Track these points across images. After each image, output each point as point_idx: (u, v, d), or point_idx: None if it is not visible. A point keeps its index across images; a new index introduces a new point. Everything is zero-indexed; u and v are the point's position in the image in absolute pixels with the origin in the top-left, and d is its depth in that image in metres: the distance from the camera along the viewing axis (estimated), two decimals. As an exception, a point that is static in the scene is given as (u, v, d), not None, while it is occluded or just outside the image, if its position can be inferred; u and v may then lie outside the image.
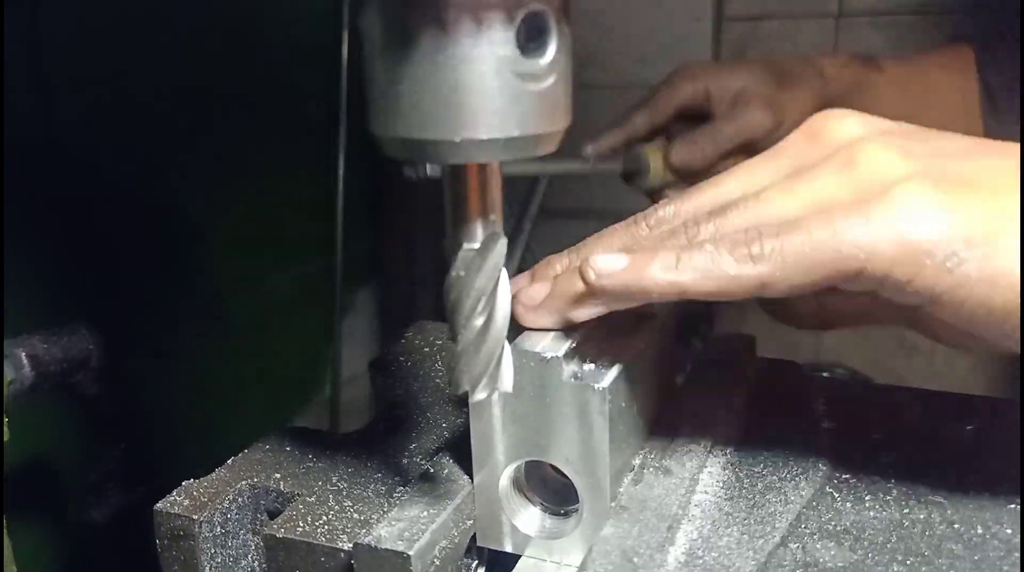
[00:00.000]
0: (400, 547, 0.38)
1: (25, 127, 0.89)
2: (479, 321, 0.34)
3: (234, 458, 0.48)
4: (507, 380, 0.36)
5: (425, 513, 0.40)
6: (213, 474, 0.46)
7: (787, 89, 0.84)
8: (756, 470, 0.44)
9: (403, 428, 0.50)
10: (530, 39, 0.30)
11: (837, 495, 0.43)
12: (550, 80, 0.30)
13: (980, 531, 0.40)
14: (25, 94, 0.91)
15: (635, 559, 0.36)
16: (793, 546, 0.39)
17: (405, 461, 0.47)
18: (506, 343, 0.36)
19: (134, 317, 1.00)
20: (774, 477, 0.44)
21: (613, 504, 0.40)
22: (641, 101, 0.91)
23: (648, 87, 0.96)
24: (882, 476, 0.44)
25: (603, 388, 0.39)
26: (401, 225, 1.87)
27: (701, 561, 0.38)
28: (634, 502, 0.40)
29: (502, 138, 0.29)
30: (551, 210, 2.16)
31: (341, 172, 1.92)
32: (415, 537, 0.38)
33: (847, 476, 0.44)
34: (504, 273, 0.34)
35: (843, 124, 0.38)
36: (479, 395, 0.35)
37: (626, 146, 0.89)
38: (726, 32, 2.11)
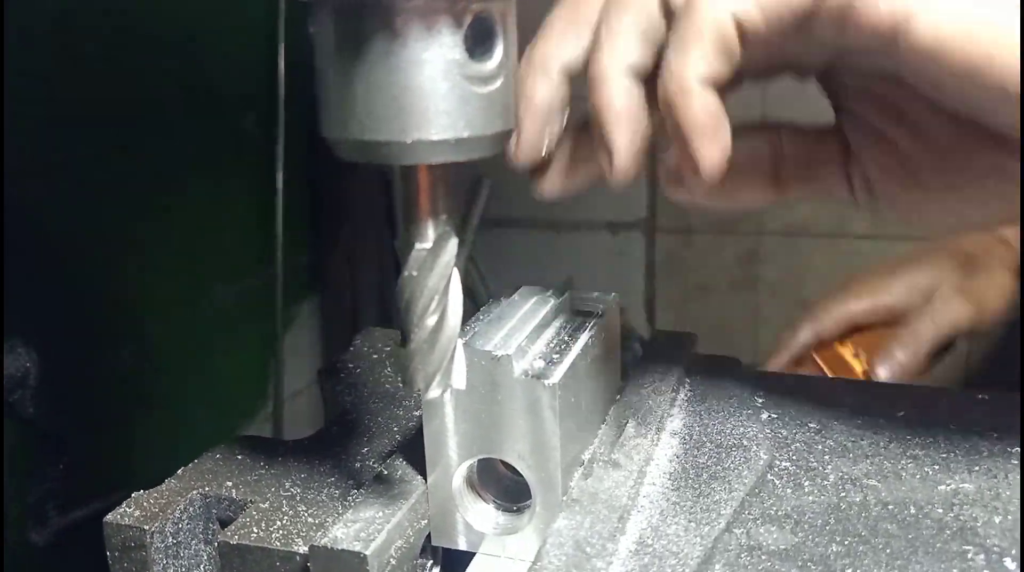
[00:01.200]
0: (356, 547, 0.38)
1: None
2: (432, 320, 0.34)
3: (184, 468, 0.48)
4: (460, 377, 0.37)
5: (380, 514, 0.41)
6: (163, 484, 0.46)
7: (976, 273, 0.80)
8: (701, 461, 0.46)
9: (355, 433, 0.50)
10: (478, 43, 0.31)
11: (778, 482, 0.44)
12: (498, 82, 0.31)
13: (913, 511, 0.42)
14: None
15: (588, 549, 0.37)
16: (738, 531, 0.40)
17: (358, 465, 0.47)
18: (459, 341, 0.37)
19: (73, 335, 0.98)
20: (718, 467, 0.45)
21: (565, 498, 0.41)
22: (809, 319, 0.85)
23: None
24: (819, 463, 0.46)
25: (553, 384, 0.40)
26: (342, 237, 1.87)
27: (651, 548, 0.39)
28: (585, 495, 0.41)
29: (452, 139, 0.30)
30: (494, 219, 2.17)
31: (280, 184, 1.90)
32: (371, 537, 0.39)
33: (786, 464, 0.46)
34: (456, 272, 0.35)
35: None
36: (433, 393, 0.36)
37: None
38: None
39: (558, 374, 0.40)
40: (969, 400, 0.52)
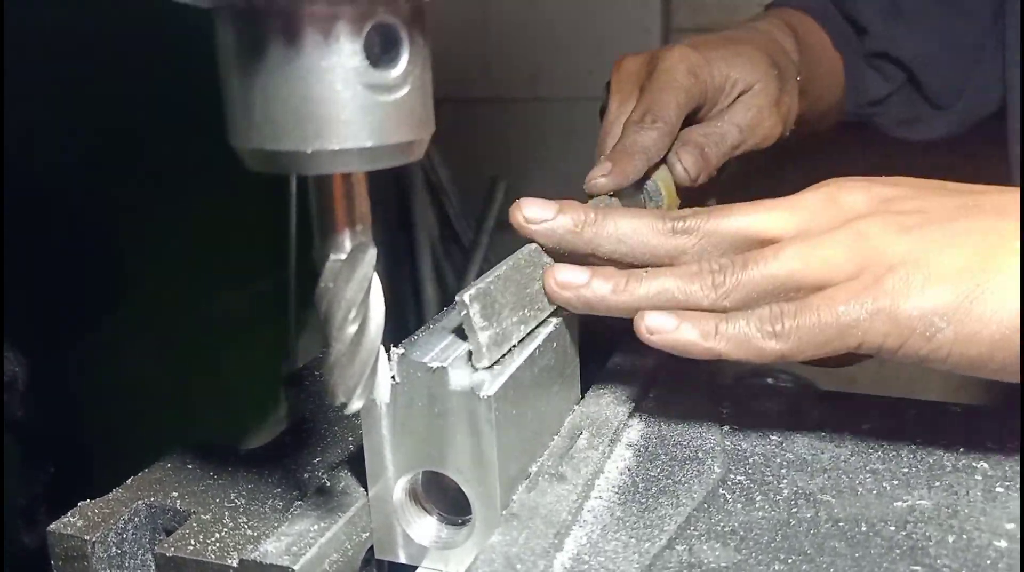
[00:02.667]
0: (285, 562, 0.37)
1: None
2: (350, 332, 0.34)
3: (134, 477, 0.47)
4: (383, 389, 0.36)
5: (315, 527, 0.40)
6: (110, 494, 0.46)
7: (787, 90, 0.73)
8: (652, 474, 0.45)
9: (309, 442, 0.50)
10: (384, 51, 0.30)
11: (729, 496, 0.43)
12: (404, 90, 0.30)
13: (864, 529, 0.40)
14: None
15: (518, 565, 0.36)
16: (680, 548, 0.39)
17: (306, 476, 0.47)
18: (382, 352, 0.36)
19: (77, 339, 0.99)
20: (668, 481, 0.44)
21: (505, 512, 0.40)
22: (638, 115, 0.65)
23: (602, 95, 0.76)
24: (775, 477, 0.45)
25: (489, 396, 0.39)
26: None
27: (587, 566, 0.38)
28: (525, 509, 0.40)
29: (355, 148, 0.30)
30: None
31: (294, 187, 1.91)
32: (302, 552, 0.38)
33: (741, 477, 0.45)
34: (377, 282, 0.35)
35: (853, 196, 0.45)
36: (354, 405, 0.35)
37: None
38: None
39: (495, 386, 0.39)
40: (940, 412, 0.51)
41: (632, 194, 0.63)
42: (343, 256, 0.33)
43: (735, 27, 0.81)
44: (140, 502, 0.45)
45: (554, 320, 0.47)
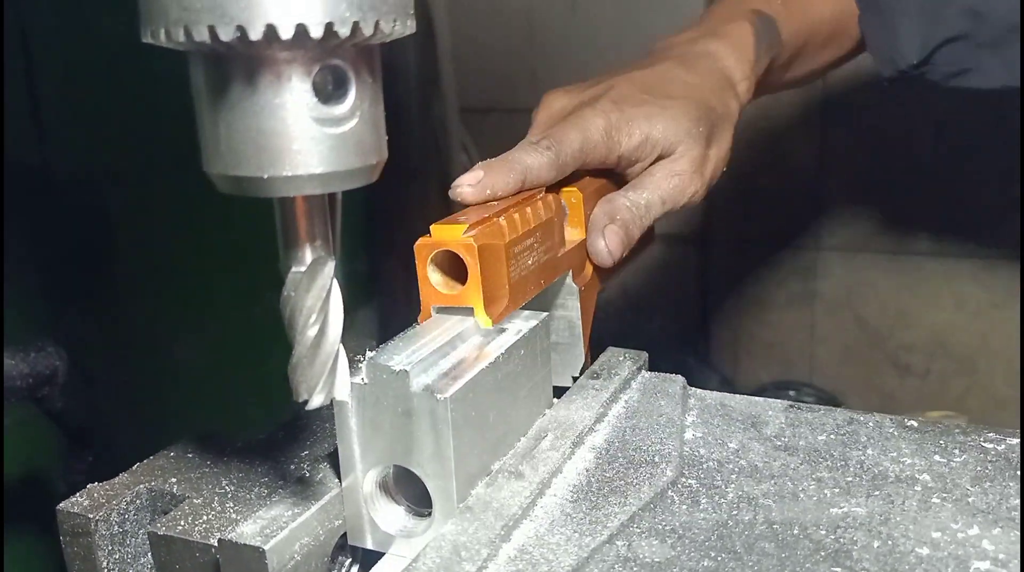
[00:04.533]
0: (256, 542, 0.41)
1: (17, 154, 0.95)
2: (310, 335, 0.38)
3: (139, 463, 0.52)
4: (342, 388, 0.40)
5: (289, 512, 0.44)
6: (116, 478, 0.50)
7: (717, 141, 0.72)
8: (607, 475, 0.48)
9: (299, 437, 0.54)
10: (336, 87, 0.34)
11: (677, 498, 0.46)
12: (352, 123, 0.34)
13: (796, 532, 0.43)
14: (20, 122, 0.97)
15: (463, 553, 0.40)
16: (620, 543, 0.42)
17: (292, 467, 0.51)
18: (342, 354, 0.40)
19: (125, 332, 1.05)
20: (621, 482, 0.47)
21: (461, 506, 0.44)
22: (536, 137, 0.63)
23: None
24: (724, 482, 0.48)
25: (445, 398, 0.42)
26: (400, 244, 1.92)
27: (528, 556, 0.41)
28: (480, 503, 0.44)
29: (304, 174, 0.34)
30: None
31: (339, 194, 1.96)
32: (273, 534, 0.42)
33: (692, 481, 0.48)
34: (336, 290, 0.39)
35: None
36: (315, 401, 0.39)
37: None
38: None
39: (453, 389, 0.43)
40: (898, 426, 0.53)
41: None
42: (303, 268, 0.37)
43: (704, 21, 0.86)
44: (142, 486, 0.50)
45: (523, 328, 0.50)
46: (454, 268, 0.48)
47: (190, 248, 1.20)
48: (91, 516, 0.47)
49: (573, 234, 0.60)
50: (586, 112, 0.65)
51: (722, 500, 0.46)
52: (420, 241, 0.48)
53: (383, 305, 1.97)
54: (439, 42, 2.10)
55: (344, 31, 0.31)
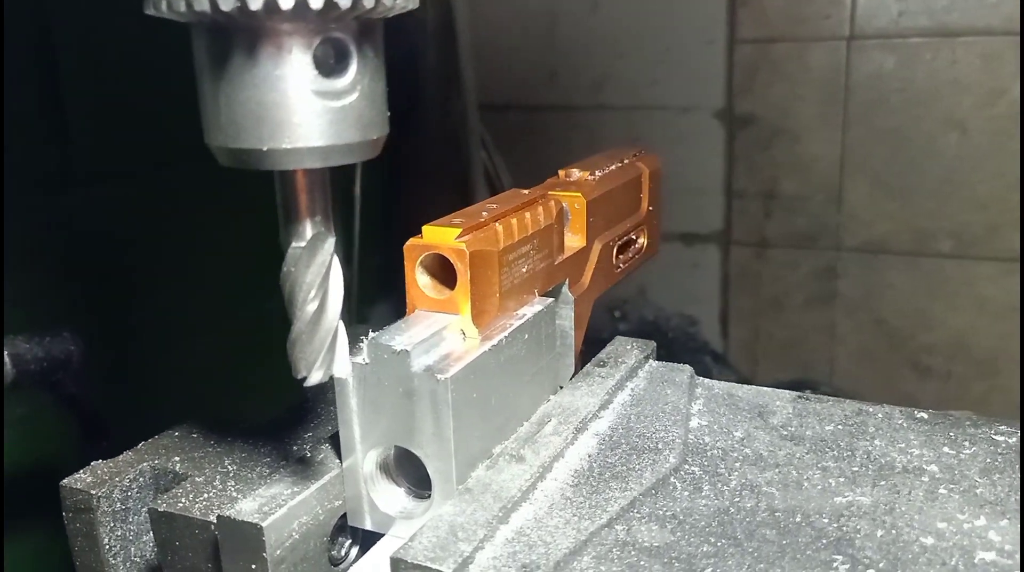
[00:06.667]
0: (255, 519, 0.41)
1: (40, 147, 0.96)
2: (310, 311, 0.38)
3: (144, 442, 0.52)
4: (342, 365, 0.40)
5: (288, 491, 0.44)
6: (120, 456, 0.51)
7: None
8: (610, 461, 0.48)
9: (305, 420, 0.54)
10: (338, 61, 0.34)
11: (679, 484, 0.46)
12: (352, 97, 0.34)
13: (798, 519, 0.42)
14: (40, 119, 0.98)
15: (459, 533, 0.40)
16: (619, 527, 0.42)
17: (296, 448, 0.51)
18: (341, 331, 0.40)
19: (141, 322, 1.06)
20: (623, 467, 0.47)
21: (461, 487, 0.44)
22: None
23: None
24: (728, 469, 0.47)
25: (446, 378, 0.42)
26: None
27: (526, 538, 0.41)
28: (479, 485, 0.44)
29: (305, 147, 0.34)
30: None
31: (358, 190, 1.98)
32: (271, 511, 0.42)
33: (695, 468, 0.47)
34: (337, 267, 0.38)
35: None
36: (314, 378, 0.39)
37: None
38: (738, 54, 2.14)
39: (454, 369, 0.43)
40: (908, 417, 0.52)
41: None
42: (303, 244, 0.37)
43: None
44: (145, 464, 0.50)
45: (528, 312, 0.50)
46: (444, 271, 0.47)
47: (207, 240, 1.20)
48: (93, 492, 0.47)
49: (573, 241, 0.58)
50: None
51: (724, 487, 0.45)
52: (410, 242, 0.47)
53: (400, 301, 1.97)
54: (459, 39, 2.10)
55: (345, 3, 0.31)
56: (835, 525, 0.42)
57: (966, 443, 0.49)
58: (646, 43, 2.23)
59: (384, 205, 2.02)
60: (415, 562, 0.38)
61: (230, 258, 1.24)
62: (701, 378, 0.58)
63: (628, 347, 0.59)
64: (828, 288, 2.18)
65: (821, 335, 2.22)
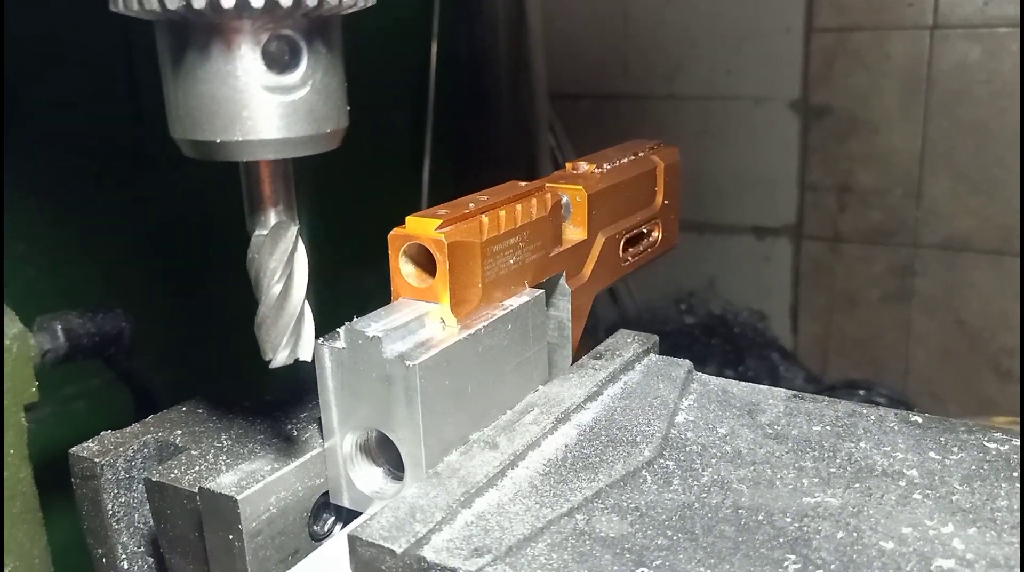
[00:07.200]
0: (231, 492, 0.44)
1: (117, 132, 1.01)
2: (273, 296, 0.39)
3: (152, 416, 0.55)
4: (306, 349, 0.42)
5: (268, 467, 0.46)
6: (128, 428, 0.54)
7: None
8: (584, 452, 0.48)
9: (304, 400, 0.56)
10: (292, 57, 0.36)
11: (650, 477, 0.46)
12: (303, 91, 0.36)
13: (760, 518, 0.42)
14: (120, 103, 1.03)
15: (417, 515, 0.41)
16: (579, 516, 0.43)
17: (289, 427, 0.53)
18: (308, 315, 0.42)
19: (198, 304, 1.11)
20: (596, 459, 0.47)
21: (431, 471, 0.45)
22: None
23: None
24: (702, 465, 0.47)
25: (415, 365, 0.43)
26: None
27: (484, 523, 0.42)
28: (448, 470, 0.45)
29: (256, 140, 0.35)
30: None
31: (426, 177, 2.01)
32: (248, 485, 0.44)
33: (669, 463, 0.47)
34: (301, 254, 0.40)
35: None
36: (279, 360, 0.41)
37: None
38: (815, 43, 2.09)
39: (424, 357, 0.44)
40: (901, 421, 0.51)
41: None
42: (266, 232, 0.39)
43: None
44: (149, 436, 0.53)
45: (513, 304, 0.51)
46: (429, 260, 0.48)
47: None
48: (98, 461, 0.50)
49: (573, 233, 0.58)
50: None
51: (695, 483, 0.46)
52: (394, 231, 0.48)
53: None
54: (530, 28, 2.11)
55: (287, 2, 0.32)
56: (796, 525, 0.42)
57: (955, 449, 0.47)
58: (720, 31, 2.19)
59: (453, 193, 2.03)
60: (369, 540, 0.40)
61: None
62: (700, 374, 0.58)
63: (628, 340, 0.60)
64: (905, 285, 2.12)
65: (896, 334, 2.15)
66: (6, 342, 0.74)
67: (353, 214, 1.40)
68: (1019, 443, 0.47)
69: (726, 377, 0.57)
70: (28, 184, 0.97)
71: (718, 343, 2.13)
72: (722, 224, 2.28)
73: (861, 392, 1.80)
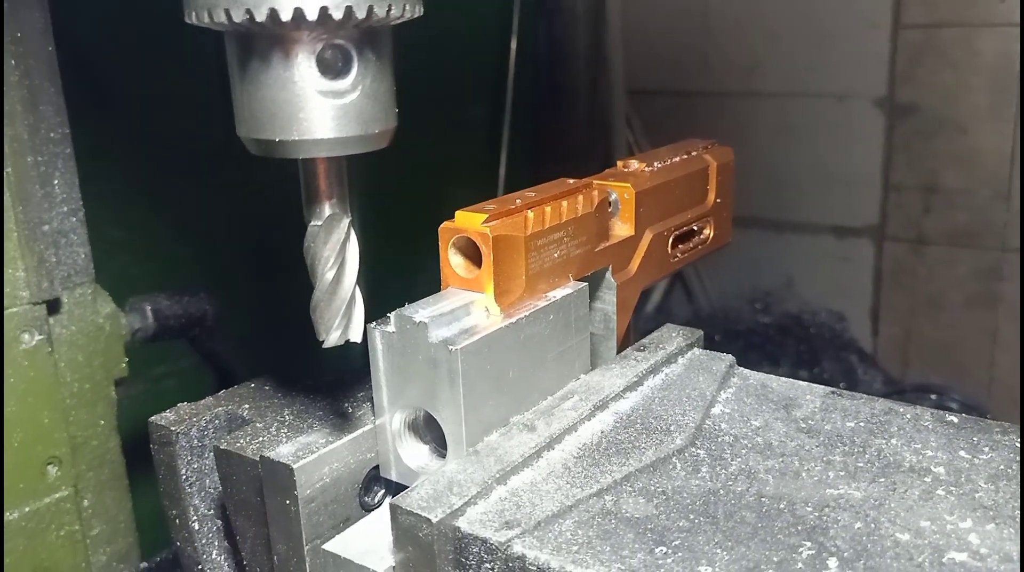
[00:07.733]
0: (288, 461, 0.48)
1: (206, 128, 1.07)
2: (327, 282, 0.43)
3: (225, 390, 0.60)
4: (356, 332, 0.45)
5: (323, 440, 0.50)
6: (202, 401, 0.58)
7: None
8: (619, 438, 0.51)
9: (362, 379, 0.60)
10: (345, 64, 0.39)
11: (680, 464, 0.48)
12: (354, 95, 0.39)
13: (782, 506, 0.44)
14: (212, 98, 1.09)
15: (455, 489, 0.44)
16: (608, 497, 0.45)
17: (346, 405, 0.57)
18: (359, 300, 0.45)
19: (278, 291, 1.16)
20: (628, 444, 0.50)
21: (471, 449, 0.48)
22: None
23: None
24: (732, 455, 0.49)
25: (457, 349, 0.47)
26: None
27: (517, 499, 0.45)
28: (487, 449, 0.48)
29: (310, 139, 0.39)
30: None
31: (503, 171, 2.04)
32: (303, 456, 0.48)
33: (700, 452, 0.49)
34: (353, 244, 0.44)
35: None
36: (331, 340, 0.44)
37: None
38: (902, 39, 2.04)
39: (466, 342, 0.47)
40: (937, 420, 0.52)
41: None
42: (320, 222, 0.43)
43: None
44: (220, 408, 0.57)
45: (557, 295, 0.53)
46: (476, 253, 0.51)
47: (378, 218, 1.29)
48: (174, 429, 0.55)
49: (621, 229, 0.61)
50: None
51: (723, 471, 0.47)
52: (444, 225, 0.51)
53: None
54: (609, 24, 2.12)
55: (338, 15, 0.36)
56: (816, 514, 0.43)
57: (986, 448, 0.48)
58: (803, 27, 2.16)
59: (530, 186, 2.06)
60: (409, 509, 0.43)
61: (379, 238, 1.33)
62: (741, 368, 0.59)
63: (673, 334, 0.61)
64: (991, 290, 2.06)
65: (981, 340, 2.09)
66: (99, 320, 0.80)
67: (434, 207, 1.44)
68: (1051, 445, 0.48)
69: (799, 378, 0.58)
70: (125, 176, 1.03)
71: (792, 343, 2.11)
72: (801, 223, 2.25)
73: (932, 396, 1.76)
